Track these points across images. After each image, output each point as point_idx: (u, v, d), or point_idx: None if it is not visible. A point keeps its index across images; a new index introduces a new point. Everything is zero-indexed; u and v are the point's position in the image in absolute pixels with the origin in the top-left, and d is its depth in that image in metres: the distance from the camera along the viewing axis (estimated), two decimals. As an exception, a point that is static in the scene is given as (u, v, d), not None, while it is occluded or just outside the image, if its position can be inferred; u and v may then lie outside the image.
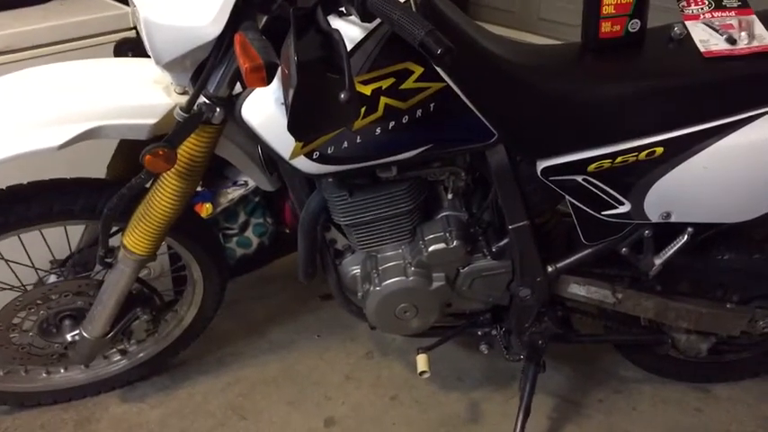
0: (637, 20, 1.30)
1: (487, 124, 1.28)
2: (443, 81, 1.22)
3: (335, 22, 1.11)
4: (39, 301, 1.53)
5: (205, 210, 1.84)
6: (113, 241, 1.43)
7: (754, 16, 1.33)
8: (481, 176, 1.45)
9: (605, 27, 1.30)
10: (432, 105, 1.24)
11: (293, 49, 0.94)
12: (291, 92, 0.94)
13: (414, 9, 1.15)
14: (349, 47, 1.13)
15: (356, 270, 1.52)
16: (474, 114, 1.27)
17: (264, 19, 1.13)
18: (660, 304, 1.54)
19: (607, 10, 1.29)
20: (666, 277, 1.51)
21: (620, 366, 1.86)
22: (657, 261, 1.44)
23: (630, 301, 1.54)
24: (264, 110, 1.18)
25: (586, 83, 1.29)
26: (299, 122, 0.98)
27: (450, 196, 1.46)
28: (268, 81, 1.01)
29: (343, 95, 0.94)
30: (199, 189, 1.80)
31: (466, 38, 1.25)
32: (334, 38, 0.97)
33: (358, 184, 1.36)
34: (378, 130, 1.23)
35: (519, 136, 1.32)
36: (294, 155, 1.23)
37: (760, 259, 1.50)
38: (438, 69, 1.21)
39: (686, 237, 1.41)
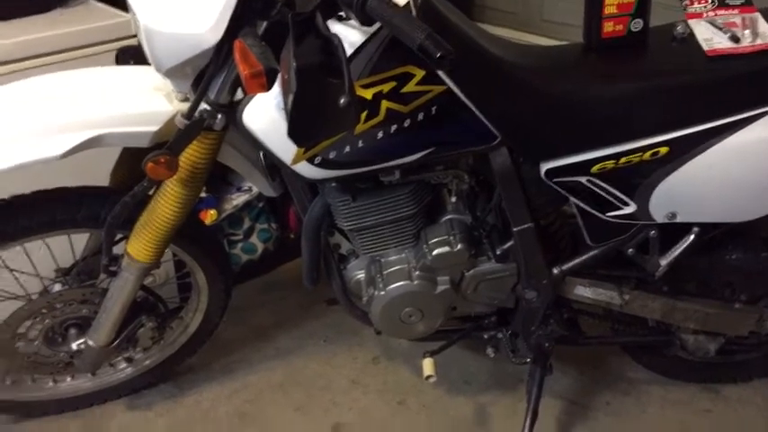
0: (639, 19, 1.30)
1: (490, 127, 1.27)
2: (445, 84, 1.21)
3: (335, 27, 1.11)
4: (44, 310, 1.53)
5: (209, 216, 1.83)
6: (118, 249, 1.43)
7: (758, 14, 1.33)
8: (485, 179, 1.44)
9: (608, 27, 1.30)
10: (433, 108, 1.23)
11: (292, 55, 0.94)
12: (291, 97, 0.94)
13: (414, 12, 1.15)
14: (349, 51, 1.14)
15: (360, 275, 1.52)
16: (476, 117, 1.26)
17: (264, 24, 1.12)
18: (667, 305, 1.53)
19: (609, 10, 1.28)
20: (673, 278, 1.49)
21: (627, 368, 1.85)
22: (663, 262, 1.43)
23: (637, 303, 1.53)
24: (265, 116, 1.18)
25: (589, 83, 1.28)
26: (299, 128, 0.97)
27: (453, 199, 1.45)
28: (268, 87, 1.01)
29: (342, 100, 0.94)
30: (203, 195, 1.80)
31: (467, 40, 1.24)
32: (333, 43, 0.96)
33: (361, 188, 1.36)
34: (380, 134, 1.23)
35: (522, 138, 1.31)
36: (296, 160, 1.23)
37: (765, 260, 1.49)
38: (439, 73, 1.20)
39: (692, 237, 1.40)
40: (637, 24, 1.30)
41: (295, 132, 0.98)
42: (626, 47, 1.31)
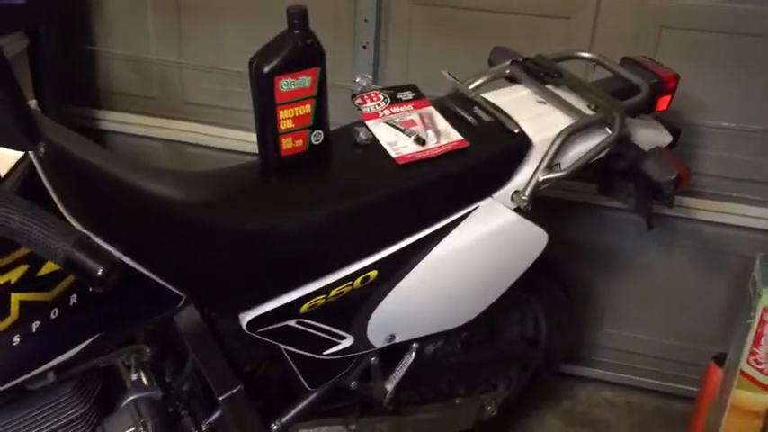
0: (319, 131, 1.12)
1: (170, 287, 0.99)
2: (101, 251, 0.90)
3: None
4: None
5: None
6: None
7: (432, 108, 1.25)
8: (171, 342, 1.15)
9: (287, 143, 1.10)
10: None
11: None
12: None
13: (38, 166, 0.82)
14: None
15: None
16: (150, 280, 0.97)
17: None
18: (395, 423, 1.39)
19: (285, 125, 1.09)
20: (394, 395, 1.36)
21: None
22: (389, 386, 1.29)
23: (366, 429, 1.36)
24: None
25: (276, 214, 1.07)
26: None
27: (134, 376, 1.12)
28: None
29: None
30: None
31: (118, 184, 0.94)
32: None
33: (-1, 404, 0.97)
34: (16, 339, 0.87)
35: (210, 293, 1.05)
36: None
37: (476, 349, 1.44)
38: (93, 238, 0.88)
39: (413, 354, 1.28)
40: (317, 136, 1.13)
41: None
42: (309, 162, 1.13)
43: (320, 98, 1.10)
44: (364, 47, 1.81)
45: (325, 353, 1.17)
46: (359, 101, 1.24)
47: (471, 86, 1.31)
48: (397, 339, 1.22)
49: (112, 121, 2.11)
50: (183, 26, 1.94)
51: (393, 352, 1.28)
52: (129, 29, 2.00)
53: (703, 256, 1.82)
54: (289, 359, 1.16)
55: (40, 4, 1.76)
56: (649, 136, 1.33)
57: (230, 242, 1.03)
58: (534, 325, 1.60)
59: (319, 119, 1.11)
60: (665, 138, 1.37)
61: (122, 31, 2.01)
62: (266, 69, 1.04)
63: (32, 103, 1.83)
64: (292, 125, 1.09)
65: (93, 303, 0.92)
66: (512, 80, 1.36)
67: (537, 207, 1.24)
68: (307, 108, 1.09)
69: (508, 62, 1.36)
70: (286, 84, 1.05)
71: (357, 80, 1.83)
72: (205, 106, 2.08)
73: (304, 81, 1.07)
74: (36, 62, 1.85)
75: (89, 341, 0.94)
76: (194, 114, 2.09)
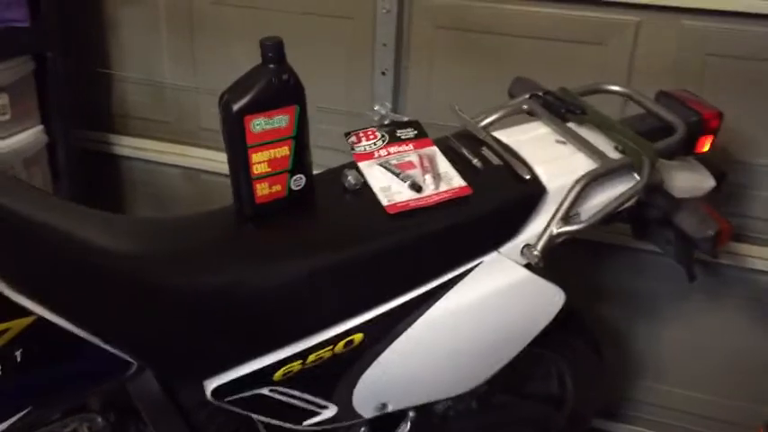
0: (300, 175, 1.00)
1: (118, 354, 0.88)
2: (32, 314, 0.79)
3: None
4: None
5: None
6: None
7: (435, 148, 1.11)
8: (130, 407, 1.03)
9: (262, 189, 0.98)
10: (20, 353, 0.80)
11: None
12: None
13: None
14: None
15: None
16: (94, 345, 0.85)
17: None
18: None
19: (259, 169, 0.97)
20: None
21: None
22: (382, 459, 1.15)
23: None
24: None
25: (244, 268, 0.94)
26: None
27: (89, 445, 1.02)
28: None
29: None
30: None
31: (53, 236, 0.84)
32: None
33: None
34: (-72, 418, 0.76)
35: (167, 358, 0.93)
36: None
37: (490, 413, 1.29)
38: (20, 299, 0.78)
39: (409, 425, 1.14)
40: (298, 181, 1.00)
41: None
42: (290, 209, 1.01)
43: (300, 139, 0.97)
44: (383, 73, 1.68)
45: (304, 424, 1.04)
46: (353, 139, 1.11)
47: (483, 123, 1.17)
48: (390, 408, 1.08)
49: (127, 146, 2.04)
50: (196, 50, 1.86)
51: (388, 419, 1.14)
52: (143, 52, 1.93)
53: (755, 307, 1.62)
54: (262, 431, 1.04)
55: (45, 27, 1.70)
56: (687, 181, 1.17)
57: (190, 301, 0.91)
58: (559, 384, 1.44)
59: (299, 162, 0.99)
60: (706, 182, 1.20)
61: (136, 54, 1.94)
62: (235, 108, 0.92)
63: (39, 128, 1.78)
64: (268, 169, 0.97)
65: (21, 374, 0.81)
66: (532, 115, 1.22)
67: (555, 258, 1.09)
68: (284, 150, 0.97)
69: (527, 96, 1.22)
70: (258, 124, 0.94)
71: (376, 108, 1.73)
72: (220, 132, 1.99)
73: (280, 120, 0.95)
74: (44, 86, 1.79)
75: (18, 416, 0.83)
76: (210, 140, 2.01)
